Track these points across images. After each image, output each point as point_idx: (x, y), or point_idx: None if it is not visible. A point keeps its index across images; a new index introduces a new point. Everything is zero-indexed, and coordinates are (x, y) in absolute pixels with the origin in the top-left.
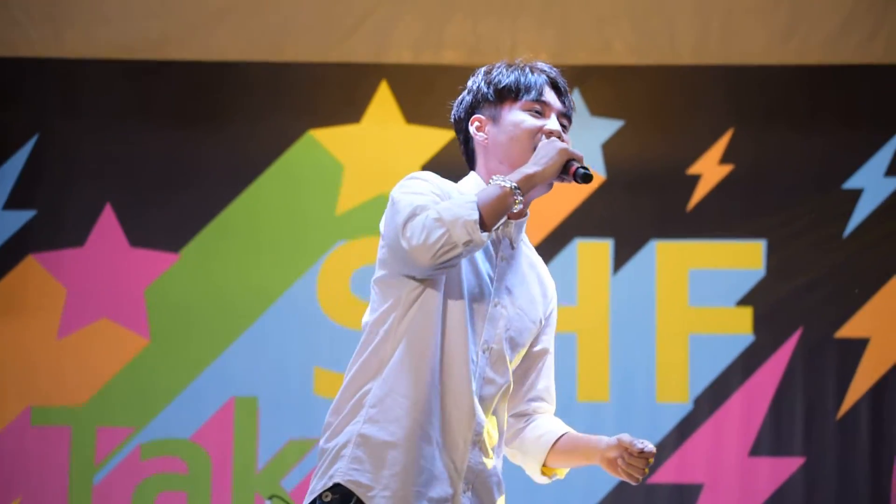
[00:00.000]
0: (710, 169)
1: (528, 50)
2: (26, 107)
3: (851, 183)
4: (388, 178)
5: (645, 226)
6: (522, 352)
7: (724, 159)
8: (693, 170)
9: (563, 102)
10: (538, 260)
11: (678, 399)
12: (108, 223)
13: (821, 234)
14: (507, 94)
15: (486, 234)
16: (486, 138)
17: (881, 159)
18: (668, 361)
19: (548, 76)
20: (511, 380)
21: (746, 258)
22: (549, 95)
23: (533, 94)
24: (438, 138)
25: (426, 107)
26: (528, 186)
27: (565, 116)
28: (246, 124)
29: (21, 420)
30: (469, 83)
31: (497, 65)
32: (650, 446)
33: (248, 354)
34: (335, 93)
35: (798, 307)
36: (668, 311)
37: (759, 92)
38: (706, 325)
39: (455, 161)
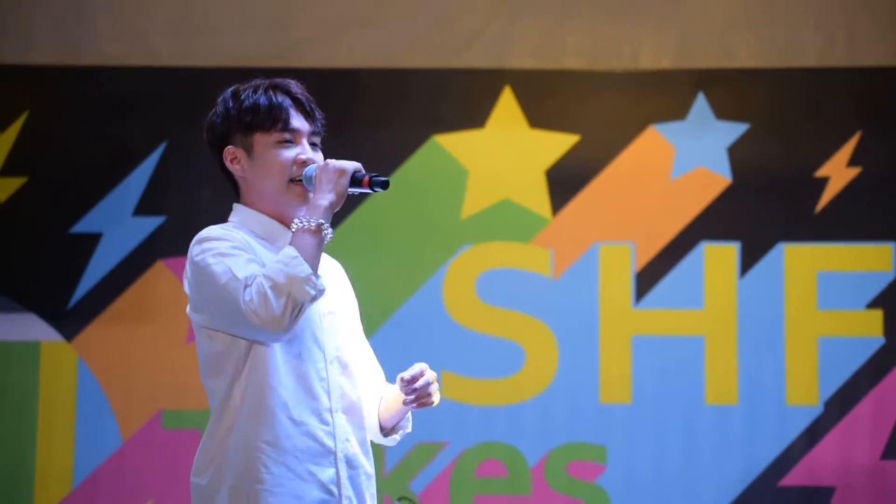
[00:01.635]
0: (838, 172)
1: (650, 54)
2: (151, 116)
3: None
4: (513, 182)
5: (772, 229)
6: (358, 345)
7: (852, 162)
8: (821, 173)
9: (310, 122)
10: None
11: (808, 402)
12: None
13: None
14: (256, 127)
15: (319, 278)
16: (243, 172)
17: None
18: (798, 364)
19: (292, 97)
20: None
21: (876, 261)
22: (297, 120)
23: (280, 124)
24: (562, 142)
25: (549, 111)
26: (331, 214)
27: (315, 134)
28: (370, 130)
29: (152, 423)
30: (218, 105)
31: (244, 87)
32: (414, 372)
33: (377, 358)
34: (458, 99)
35: None
36: (797, 314)
37: (888, 94)
38: (836, 327)
39: (578, 166)
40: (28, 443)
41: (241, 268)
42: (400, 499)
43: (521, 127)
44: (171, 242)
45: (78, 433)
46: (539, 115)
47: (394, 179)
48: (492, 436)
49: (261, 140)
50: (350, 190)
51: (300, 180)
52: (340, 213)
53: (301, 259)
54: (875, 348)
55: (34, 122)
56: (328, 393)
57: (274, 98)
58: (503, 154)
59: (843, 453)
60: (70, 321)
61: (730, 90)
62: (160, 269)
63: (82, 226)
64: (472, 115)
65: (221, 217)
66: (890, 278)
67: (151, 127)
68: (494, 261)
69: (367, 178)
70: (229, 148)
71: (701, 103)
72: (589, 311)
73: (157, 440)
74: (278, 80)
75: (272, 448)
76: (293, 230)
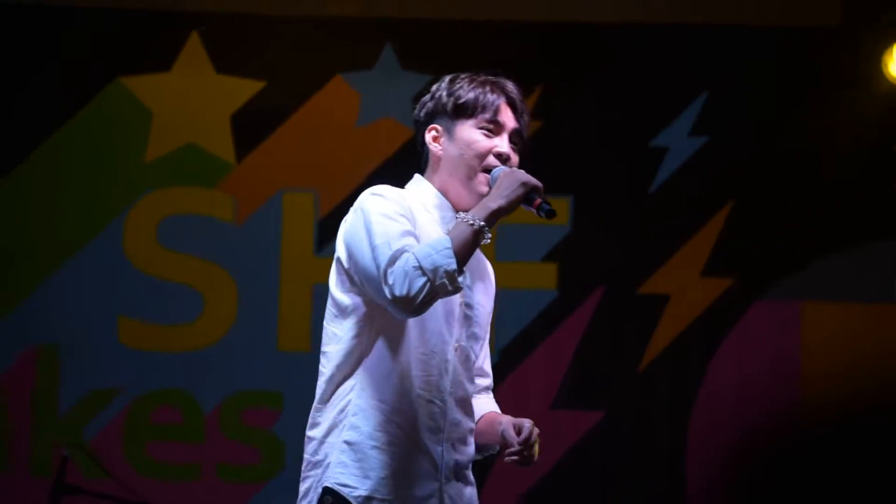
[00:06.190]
0: None
1: (336, 1)
2: None
3: (657, 141)
4: (198, 126)
5: None
6: (481, 344)
7: (534, 115)
8: None
9: (517, 121)
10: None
11: None
12: None
13: (626, 191)
14: (463, 111)
15: (461, 277)
16: (441, 150)
17: (686, 119)
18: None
19: (507, 95)
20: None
21: None
22: (505, 115)
23: (488, 113)
24: (247, 88)
25: (235, 56)
26: (495, 220)
27: (518, 135)
28: (54, 70)
29: None
30: (434, 87)
31: (462, 76)
32: (526, 434)
33: (51, 302)
34: (145, 41)
35: (602, 263)
36: None
37: (568, 49)
38: (512, 279)
39: (264, 112)
40: None
41: (397, 237)
42: (69, 446)
43: (207, 71)
44: None
45: None
46: (225, 60)
47: (77, 120)
48: (168, 382)
49: (463, 124)
50: (521, 204)
51: (489, 171)
52: (23, 150)
53: (452, 252)
54: (548, 301)
55: None
56: (448, 374)
57: (487, 90)
58: (189, 98)
59: (514, 403)
60: None
61: (415, 41)
62: None
63: None
64: (159, 57)
65: None
66: (565, 232)
67: None
68: (177, 206)
69: (538, 200)
70: (433, 125)
71: (388, 53)
72: (271, 258)
73: None
74: (496, 79)
75: (388, 408)
76: (457, 221)
